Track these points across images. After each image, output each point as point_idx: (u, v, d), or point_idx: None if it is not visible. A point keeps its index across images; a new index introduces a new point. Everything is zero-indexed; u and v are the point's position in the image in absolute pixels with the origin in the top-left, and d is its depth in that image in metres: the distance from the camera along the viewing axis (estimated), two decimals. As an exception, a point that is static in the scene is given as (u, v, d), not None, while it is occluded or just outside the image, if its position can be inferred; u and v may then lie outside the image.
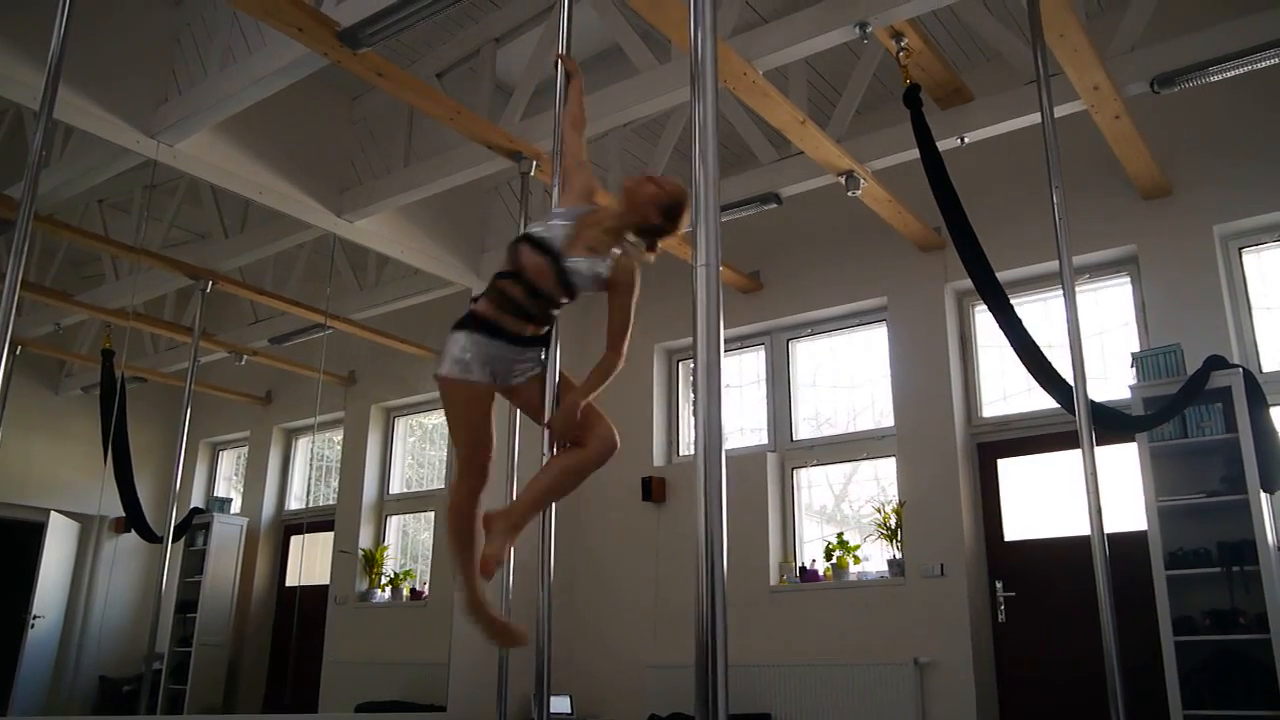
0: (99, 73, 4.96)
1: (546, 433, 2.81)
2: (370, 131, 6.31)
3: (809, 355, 6.95)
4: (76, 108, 4.83)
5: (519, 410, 3.20)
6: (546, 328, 2.85)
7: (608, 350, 2.80)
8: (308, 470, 6.65)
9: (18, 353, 5.05)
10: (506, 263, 2.80)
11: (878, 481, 6.43)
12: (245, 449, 6.55)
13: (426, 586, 6.68)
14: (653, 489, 6.85)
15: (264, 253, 6.34)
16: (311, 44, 4.34)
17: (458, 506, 2.81)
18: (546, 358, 2.86)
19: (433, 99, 4.96)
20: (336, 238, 6.20)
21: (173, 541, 5.50)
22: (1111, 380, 5.47)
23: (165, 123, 5.13)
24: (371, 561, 6.62)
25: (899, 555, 5.91)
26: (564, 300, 2.80)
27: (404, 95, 4.92)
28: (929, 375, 6.03)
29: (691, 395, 7.05)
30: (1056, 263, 3.85)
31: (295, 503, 6.55)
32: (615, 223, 2.84)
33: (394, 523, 6.93)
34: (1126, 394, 5.08)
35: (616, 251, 2.81)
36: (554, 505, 2.88)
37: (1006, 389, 5.99)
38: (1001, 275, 4.45)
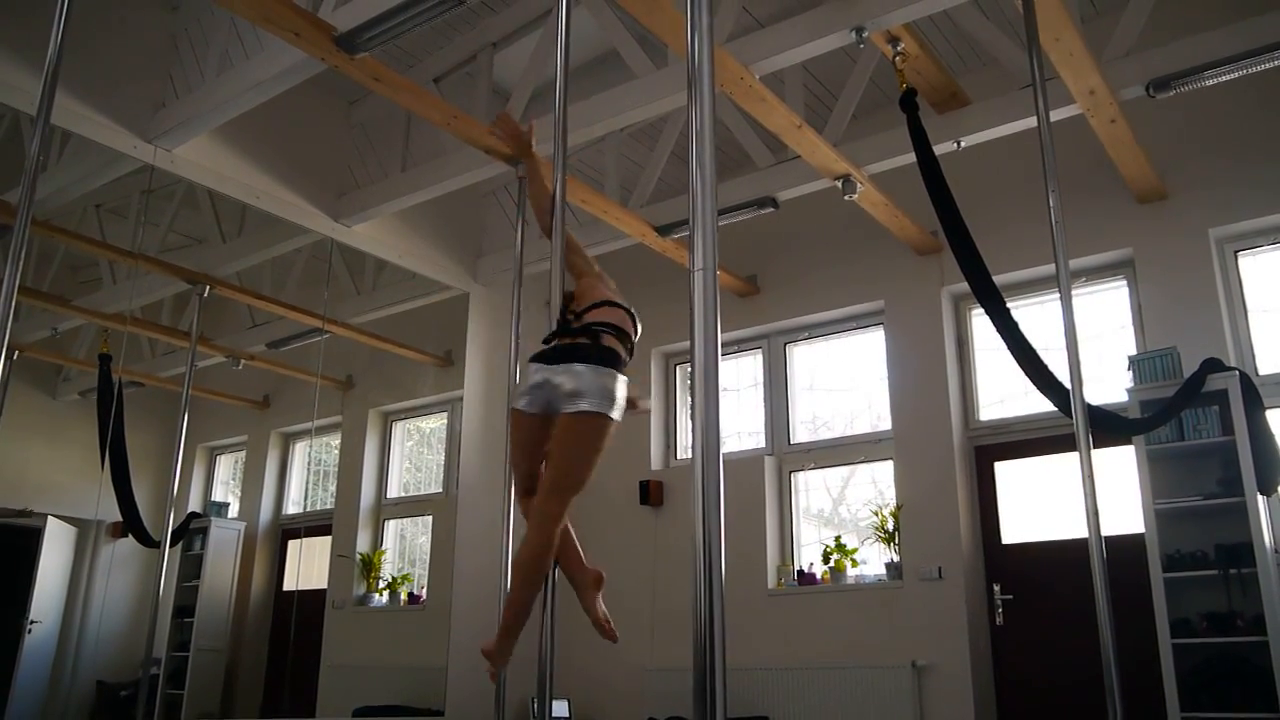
0: (96, 78, 4.96)
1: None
2: (367, 136, 6.31)
3: (806, 358, 6.96)
4: (74, 113, 4.83)
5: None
6: None
7: None
8: (305, 474, 6.65)
9: (15, 357, 5.04)
10: (626, 322, 2.79)
11: (875, 485, 6.43)
12: (243, 453, 6.54)
13: (424, 591, 6.68)
14: (650, 492, 6.85)
15: (261, 257, 6.34)
16: (309, 49, 4.34)
17: (554, 544, 2.69)
18: None
19: (430, 103, 4.96)
20: (334, 242, 6.21)
21: (170, 546, 5.50)
22: (1108, 383, 5.47)
23: (163, 127, 5.13)
24: (369, 566, 6.61)
25: (897, 558, 5.92)
26: None
27: (401, 100, 4.92)
28: (926, 378, 6.04)
29: (689, 399, 7.05)
30: (1053, 266, 3.84)
31: (293, 507, 6.55)
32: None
33: (391, 527, 6.93)
34: (1123, 397, 5.08)
35: None
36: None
37: (1003, 392, 6.00)
38: (998, 279, 4.45)
